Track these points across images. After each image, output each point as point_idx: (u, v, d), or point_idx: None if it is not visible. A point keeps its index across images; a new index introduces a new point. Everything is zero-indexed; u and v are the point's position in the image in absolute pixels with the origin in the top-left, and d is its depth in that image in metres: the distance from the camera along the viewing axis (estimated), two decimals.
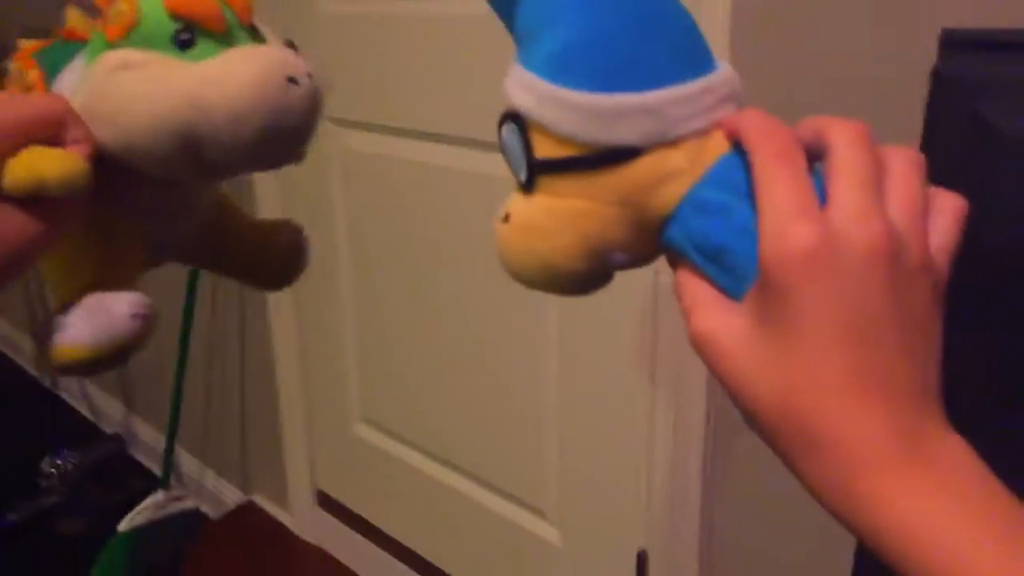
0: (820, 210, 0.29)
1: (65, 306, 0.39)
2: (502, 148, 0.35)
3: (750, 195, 0.30)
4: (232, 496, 1.93)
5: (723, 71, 0.33)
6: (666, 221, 0.33)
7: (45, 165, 0.33)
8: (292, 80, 0.36)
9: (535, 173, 0.33)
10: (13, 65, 0.40)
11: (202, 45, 0.36)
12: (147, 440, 2.20)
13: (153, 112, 0.34)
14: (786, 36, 0.82)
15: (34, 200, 0.34)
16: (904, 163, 0.30)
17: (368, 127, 1.31)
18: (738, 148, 0.32)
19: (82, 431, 2.42)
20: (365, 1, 1.24)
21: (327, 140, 1.38)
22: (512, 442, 1.26)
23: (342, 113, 1.34)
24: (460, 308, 1.26)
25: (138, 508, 1.86)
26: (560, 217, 0.33)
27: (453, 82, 1.15)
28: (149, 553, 1.83)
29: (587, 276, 0.35)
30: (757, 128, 0.31)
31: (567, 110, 0.32)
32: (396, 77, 1.23)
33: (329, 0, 1.29)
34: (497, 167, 1.11)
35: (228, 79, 0.34)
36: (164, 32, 0.36)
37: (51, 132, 0.35)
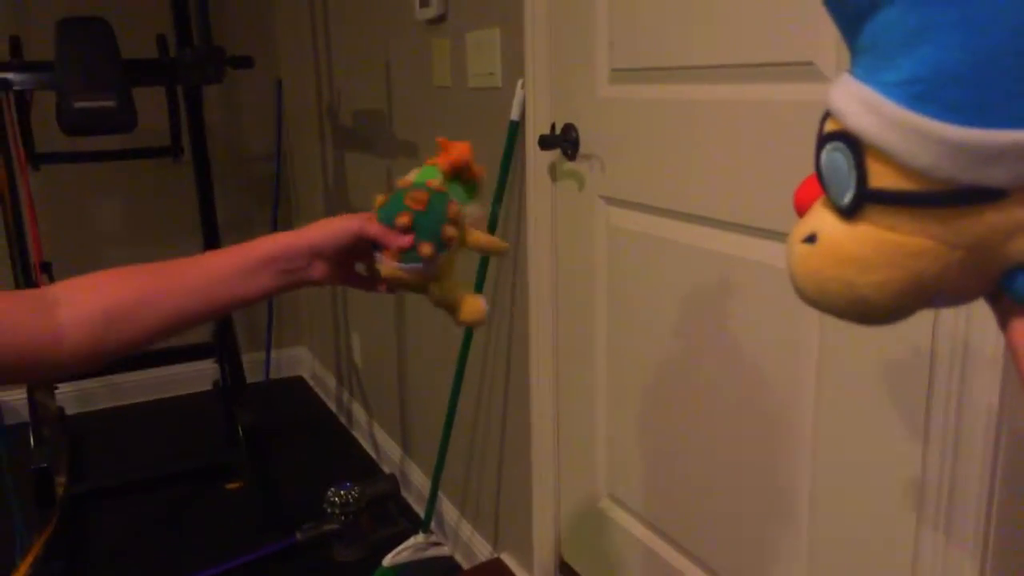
0: None
1: None
2: (820, 166, 0.33)
3: None
4: (483, 550, 2.01)
5: None
6: (1012, 272, 0.30)
7: None
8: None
9: (865, 201, 0.31)
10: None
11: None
12: (417, 484, 2.37)
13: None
14: None
15: None
16: None
17: (634, 206, 1.33)
18: None
19: (364, 466, 2.67)
20: (639, 87, 1.28)
21: (596, 216, 1.43)
22: (759, 543, 1.19)
23: (611, 192, 1.38)
24: (713, 395, 1.23)
25: (401, 546, 2.01)
26: (890, 253, 0.30)
27: (718, 167, 1.14)
28: None
29: (899, 314, 0.32)
30: None
31: (929, 143, 0.28)
32: (663, 160, 1.25)
33: (607, 86, 1.36)
34: (762, 252, 1.08)
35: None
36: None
37: None
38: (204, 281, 0.71)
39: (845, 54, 0.98)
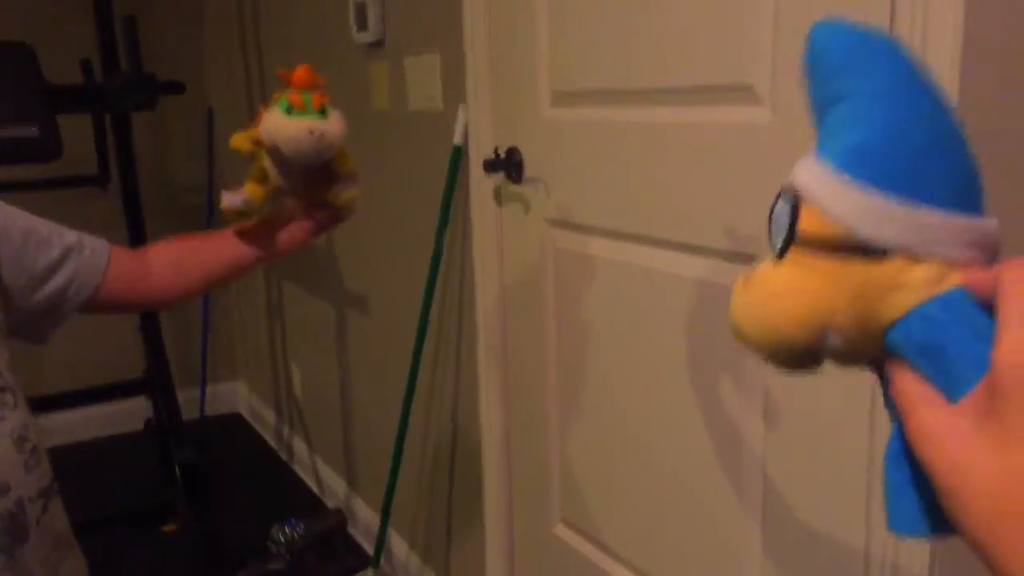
0: None
1: None
2: (769, 218, 0.40)
3: (973, 322, 0.34)
4: None
5: (989, 223, 0.36)
6: (888, 327, 0.36)
7: None
8: (312, 132, 0.90)
9: (792, 243, 0.38)
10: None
11: (295, 112, 0.90)
12: (364, 519, 2.31)
13: (273, 131, 0.91)
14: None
15: None
16: None
17: (579, 228, 1.33)
18: (969, 289, 0.35)
19: (308, 503, 2.60)
20: (581, 109, 1.29)
21: (542, 239, 1.42)
22: (710, 563, 1.18)
23: (556, 214, 1.38)
24: (665, 416, 1.22)
25: None
26: (797, 286, 0.37)
27: (660, 187, 1.15)
28: None
29: (801, 349, 0.38)
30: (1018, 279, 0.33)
31: (841, 197, 0.36)
32: (607, 181, 1.25)
33: (550, 108, 1.36)
34: (706, 270, 1.09)
35: (291, 128, 0.90)
36: (284, 106, 0.90)
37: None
38: (234, 239, 1.00)
39: (782, 78, 1.00)
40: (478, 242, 1.57)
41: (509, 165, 1.44)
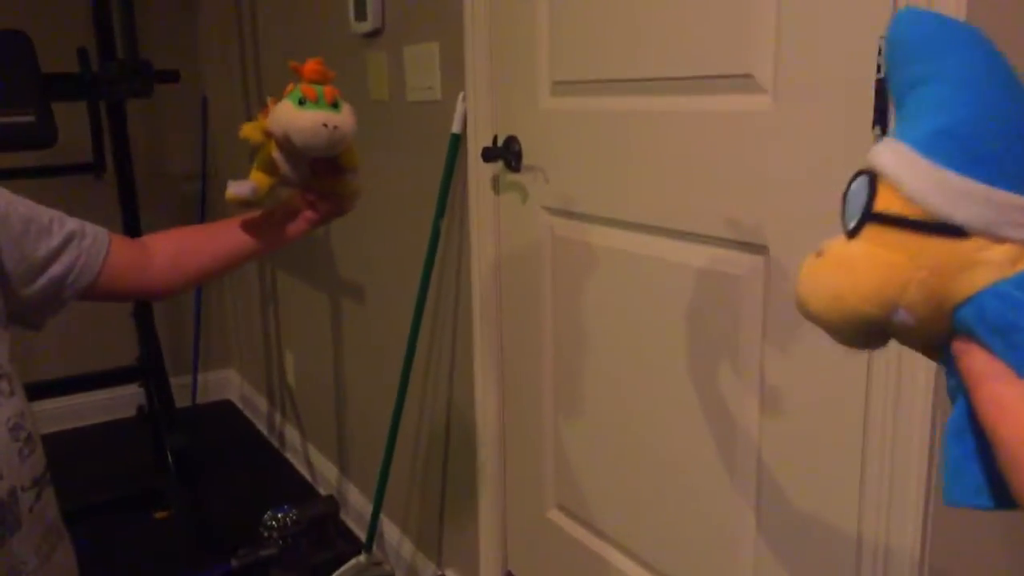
0: None
1: None
2: (844, 197, 0.41)
3: None
4: (426, 568, 1.99)
5: None
6: (959, 306, 0.37)
7: None
8: (326, 125, 0.91)
9: (867, 221, 0.38)
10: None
11: (308, 104, 0.91)
12: (356, 505, 2.32)
13: (285, 122, 0.92)
14: None
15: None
16: None
17: (577, 216, 1.35)
18: None
19: (300, 490, 2.61)
20: (581, 99, 1.31)
21: (540, 227, 1.44)
22: (704, 547, 1.21)
23: (554, 203, 1.40)
24: (659, 401, 1.25)
25: (342, 568, 1.97)
26: (873, 260, 0.38)
27: (660, 176, 1.17)
28: None
29: (869, 323, 0.39)
30: None
31: (921, 175, 0.37)
32: (606, 170, 1.27)
33: (550, 97, 1.38)
34: (704, 258, 1.11)
35: (306, 120, 0.91)
36: (296, 98, 0.92)
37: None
38: (235, 230, 1.00)
39: (784, 67, 1.01)
40: (475, 230, 1.59)
41: (508, 153, 1.46)
